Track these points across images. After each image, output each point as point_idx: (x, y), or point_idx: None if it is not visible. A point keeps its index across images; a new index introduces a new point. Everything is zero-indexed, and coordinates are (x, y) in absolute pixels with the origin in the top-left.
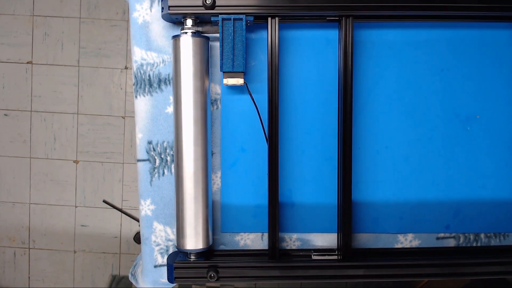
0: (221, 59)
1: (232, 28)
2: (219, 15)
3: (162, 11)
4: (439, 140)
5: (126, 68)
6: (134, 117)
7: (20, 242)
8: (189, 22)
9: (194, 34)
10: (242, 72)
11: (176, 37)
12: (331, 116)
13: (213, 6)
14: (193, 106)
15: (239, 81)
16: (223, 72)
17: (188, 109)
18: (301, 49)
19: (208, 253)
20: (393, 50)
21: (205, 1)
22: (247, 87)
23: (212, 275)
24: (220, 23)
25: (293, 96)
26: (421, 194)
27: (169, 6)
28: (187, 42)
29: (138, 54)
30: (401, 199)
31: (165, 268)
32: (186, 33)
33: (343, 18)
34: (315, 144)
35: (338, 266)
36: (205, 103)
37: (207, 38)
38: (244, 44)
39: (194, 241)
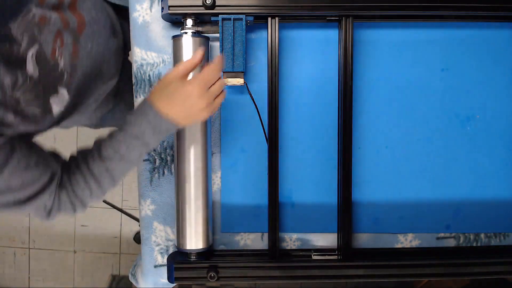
0: None
1: (232, 28)
2: (219, 15)
3: (162, 11)
4: (439, 140)
5: None
6: None
7: (20, 242)
8: (189, 22)
9: (194, 34)
10: (242, 72)
11: (176, 37)
12: (331, 116)
13: (213, 6)
14: None
15: (239, 81)
16: (223, 72)
17: None
18: (301, 49)
19: (208, 253)
20: (393, 50)
21: (205, 1)
22: (247, 87)
23: (212, 275)
24: (220, 23)
25: (293, 96)
26: (421, 194)
27: (169, 6)
28: (187, 42)
29: (138, 54)
30: (401, 199)
31: (165, 268)
32: (186, 33)
33: (343, 18)
34: (315, 144)
35: (338, 266)
36: None
37: (207, 38)
38: (244, 44)
39: (194, 241)
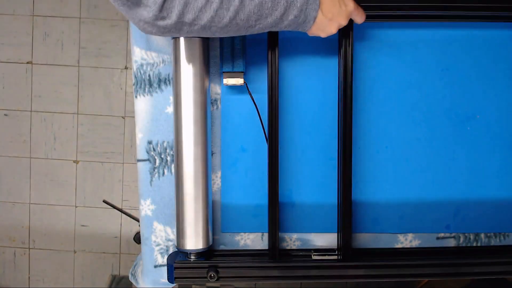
0: (221, 59)
1: None
2: None
3: None
4: (439, 140)
5: (126, 68)
6: (134, 117)
7: (20, 242)
8: None
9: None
10: (242, 72)
11: (175, 38)
12: (331, 116)
13: None
14: (193, 106)
15: (239, 81)
16: (223, 72)
17: (188, 109)
18: (301, 48)
19: (208, 253)
20: (394, 50)
21: None
22: (247, 87)
23: (212, 275)
24: None
25: (293, 96)
26: (421, 194)
27: None
28: (187, 43)
29: (138, 54)
30: (401, 199)
31: (165, 268)
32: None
33: None
34: (315, 144)
35: (338, 266)
36: (205, 103)
37: (207, 38)
38: (243, 44)
39: (194, 241)
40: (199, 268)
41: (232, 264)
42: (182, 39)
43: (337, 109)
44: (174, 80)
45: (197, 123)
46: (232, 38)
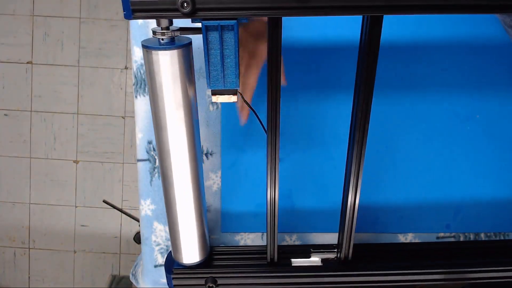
0: (207, 74)
1: (219, 37)
2: (202, 21)
3: (124, 15)
4: (439, 140)
5: (126, 68)
6: (134, 117)
7: (20, 242)
8: (163, 23)
9: (170, 44)
10: (235, 89)
11: (147, 49)
12: (331, 116)
13: (193, 11)
14: (175, 127)
15: (232, 98)
16: (212, 90)
17: (168, 128)
18: (302, 51)
19: (207, 258)
20: (393, 50)
21: (182, 6)
22: (243, 99)
23: (211, 285)
24: (203, 31)
25: (293, 96)
26: (421, 193)
27: (133, 10)
28: (161, 57)
29: (138, 54)
30: (401, 199)
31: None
32: (159, 45)
33: None
34: (315, 144)
35: (338, 275)
36: (191, 120)
37: (188, 44)
38: (236, 55)
39: (189, 256)
40: (197, 277)
41: (231, 273)
42: (154, 54)
43: (335, 108)
44: (150, 94)
45: (183, 148)
46: (221, 49)
